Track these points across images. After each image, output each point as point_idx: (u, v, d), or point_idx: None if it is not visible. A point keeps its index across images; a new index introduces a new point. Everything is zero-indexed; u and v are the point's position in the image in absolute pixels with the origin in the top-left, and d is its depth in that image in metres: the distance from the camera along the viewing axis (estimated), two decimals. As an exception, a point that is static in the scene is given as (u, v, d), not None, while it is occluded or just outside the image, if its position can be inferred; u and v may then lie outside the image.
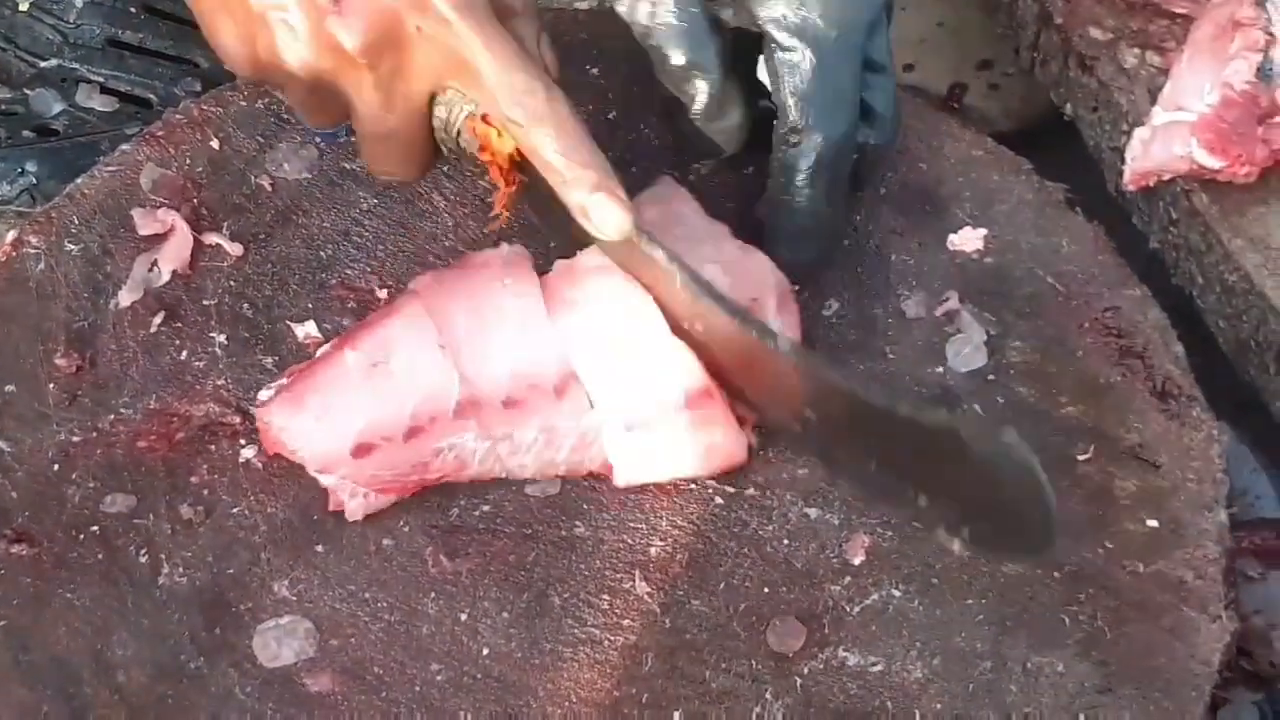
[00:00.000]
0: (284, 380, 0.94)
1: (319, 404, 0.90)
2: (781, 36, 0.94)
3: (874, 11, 0.97)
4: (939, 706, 0.85)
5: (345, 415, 0.90)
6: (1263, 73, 1.05)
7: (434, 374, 0.90)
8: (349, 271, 1.04)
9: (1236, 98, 1.05)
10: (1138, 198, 1.13)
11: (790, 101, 0.95)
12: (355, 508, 0.91)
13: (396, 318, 0.92)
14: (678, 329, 0.90)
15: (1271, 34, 1.06)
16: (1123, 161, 1.11)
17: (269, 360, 0.99)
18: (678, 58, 0.96)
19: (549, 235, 0.98)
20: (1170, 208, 1.11)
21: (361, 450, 0.89)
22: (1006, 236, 1.05)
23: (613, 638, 0.88)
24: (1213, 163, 1.05)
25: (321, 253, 1.05)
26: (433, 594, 0.90)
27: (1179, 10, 1.18)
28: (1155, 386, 0.98)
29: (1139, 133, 1.10)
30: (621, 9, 0.96)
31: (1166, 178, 1.09)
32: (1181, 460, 0.94)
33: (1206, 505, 0.93)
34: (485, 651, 0.88)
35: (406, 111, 0.90)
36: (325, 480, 0.91)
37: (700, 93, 0.97)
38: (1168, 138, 1.07)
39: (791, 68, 0.94)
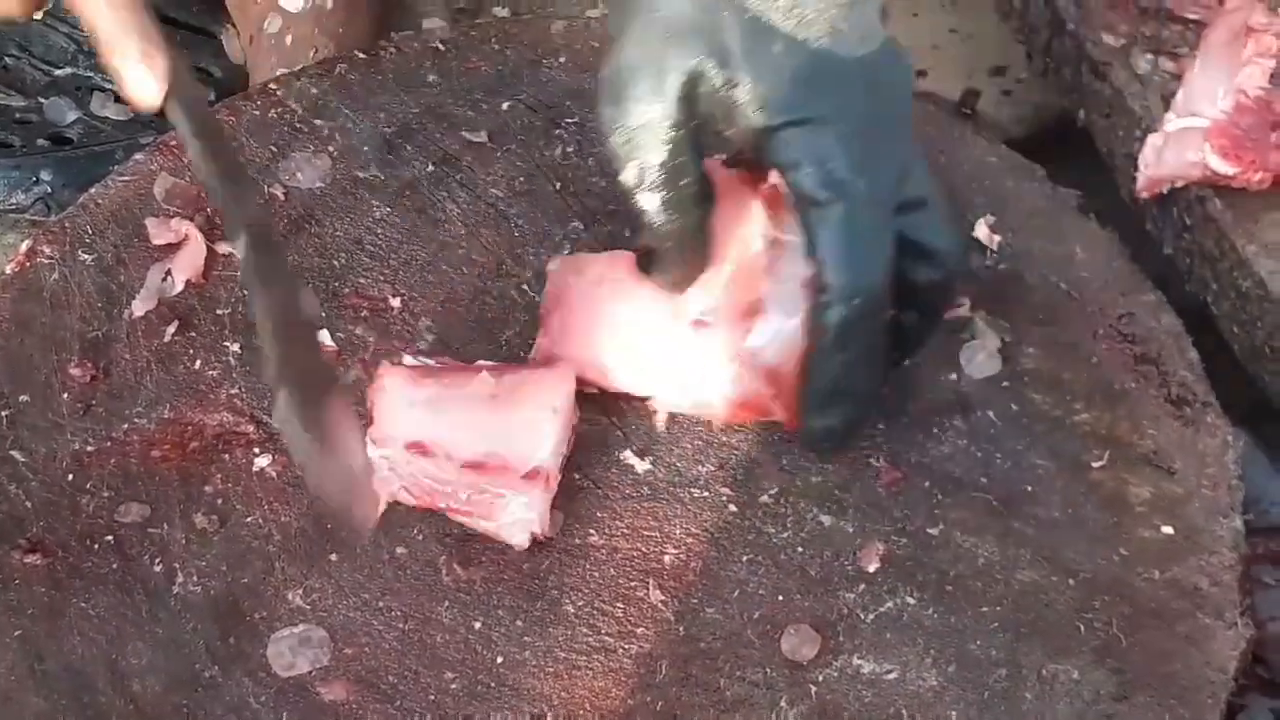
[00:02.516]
0: (433, 363, 0.95)
1: (427, 391, 0.91)
2: (806, 188, 0.86)
3: (905, 155, 0.89)
4: (954, 714, 0.85)
5: (434, 413, 0.90)
6: (1276, 78, 1.05)
7: (534, 436, 0.90)
8: (362, 280, 1.04)
9: (1250, 104, 1.04)
10: (1151, 204, 1.13)
11: (821, 256, 0.86)
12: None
13: (544, 371, 0.93)
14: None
15: None
16: (1136, 168, 1.11)
17: (283, 369, 0.99)
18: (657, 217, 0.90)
19: None
20: (1184, 214, 1.11)
21: (415, 447, 0.89)
22: (1020, 243, 1.05)
23: (626, 646, 0.88)
24: (1226, 169, 1.05)
25: (335, 261, 1.05)
26: (446, 602, 0.90)
27: (1192, 16, 1.18)
28: (1170, 393, 0.97)
29: (1152, 139, 1.09)
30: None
31: (1180, 184, 1.09)
32: (1196, 466, 0.94)
33: (1222, 511, 0.92)
34: (499, 660, 0.87)
35: None
36: (371, 451, 0.90)
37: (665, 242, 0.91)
38: (1181, 144, 1.07)
39: (819, 220, 0.86)
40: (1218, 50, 1.08)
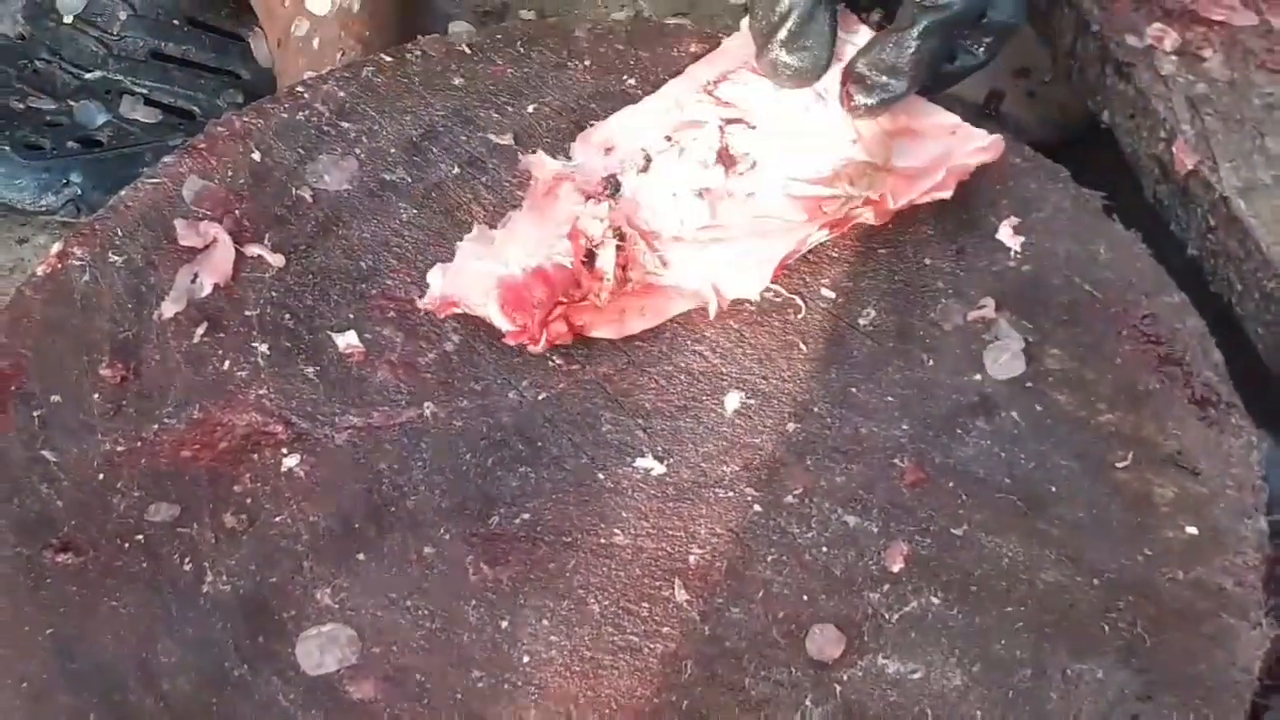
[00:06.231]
0: None
1: None
2: None
3: None
4: (979, 714, 0.85)
5: None
6: None
7: None
8: (389, 282, 1.05)
9: None
10: (1176, 204, 1.13)
11: None
12: None
13: None
14: None
15: None
16: (1160, 168, 1.11)
17: (311, 370, 1.00)
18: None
19: None
20: (1208, 214, 1.11)
21: None
22: (1044, 244, 1.05)
23: (652, 645, 0.88)
24: None
25: (362, 263, 1.06)
26: (473, 602, 0.90)
27: (1216, 18, 1.18)
28: (1194, 393, 0.97)
29: None
30: None
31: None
32: (1221, 467, 0.94)
33: (1246, 512, 0.92)
34: (525, 659, 0.88)
35: None
36: None
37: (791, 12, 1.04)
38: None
39: None
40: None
